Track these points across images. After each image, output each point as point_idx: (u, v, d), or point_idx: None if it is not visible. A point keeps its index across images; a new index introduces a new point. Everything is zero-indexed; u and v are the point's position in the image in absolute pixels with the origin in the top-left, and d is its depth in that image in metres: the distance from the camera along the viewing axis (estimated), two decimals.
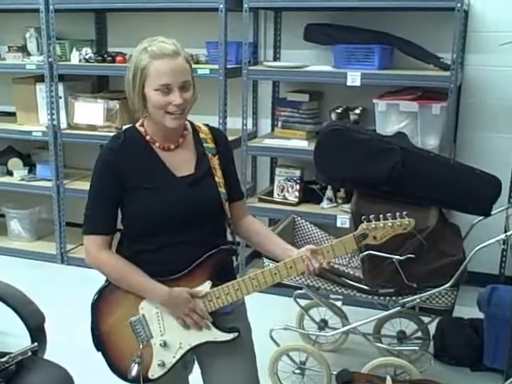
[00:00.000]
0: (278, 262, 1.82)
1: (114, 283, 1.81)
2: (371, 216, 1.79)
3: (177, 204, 1.77)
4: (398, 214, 1.80)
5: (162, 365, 1.78)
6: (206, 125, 1.98)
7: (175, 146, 1.84)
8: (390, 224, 1.78)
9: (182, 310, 1.76)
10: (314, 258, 1.76)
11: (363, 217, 1.80)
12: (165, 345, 1.77)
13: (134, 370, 1.75)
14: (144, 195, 1.77)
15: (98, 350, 1.84)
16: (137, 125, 1.88)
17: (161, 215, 1.76)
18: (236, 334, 1.81)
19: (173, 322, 1.78)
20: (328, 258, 1.78)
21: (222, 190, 1.85)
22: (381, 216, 1.79)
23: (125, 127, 1.92)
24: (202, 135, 1.91)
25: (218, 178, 1.85)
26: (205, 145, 1.90)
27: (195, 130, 1.92)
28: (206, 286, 1.78)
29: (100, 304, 1.82)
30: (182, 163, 1.83)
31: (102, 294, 1.82)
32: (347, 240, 1.78)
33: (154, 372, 1.78)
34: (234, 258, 1.90)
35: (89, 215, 1.82)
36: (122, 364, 1.80)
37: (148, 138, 1.83)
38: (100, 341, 1.83)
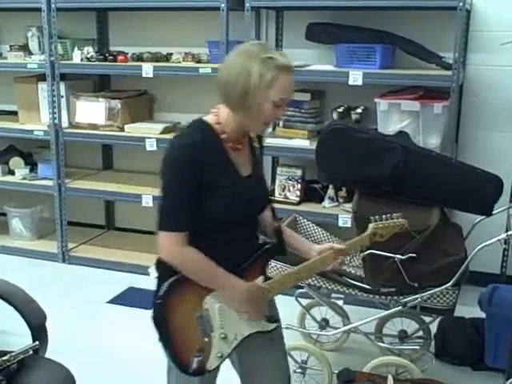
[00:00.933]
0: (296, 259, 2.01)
1: (193, 278, 1.80)
2: (376, 217, 2.04)
3: (245, 202, 1.84)
4: (394, 215, 2.07)
5: (221, 356, 1.84)
6: None
7: (241, 147, 1.87)
8: (392, 224, 2.05)
9: (255, 305, 1.84)
10: (342, 255, 1.97)
11: (371, 217, 2.04)
12: (225, 337, 1.84)
13: (195, 363, 1.80)
14: (222, 193, 1.79)
15: (163, 343, 1.85)
16: (209, 120, 1.85)
17: (235, 213, 1.81)
18: (277, 323, 1.94)
19: (232, 315, 1.84)
20: (347, 251, 2.01)
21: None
22: (383, 216, 2.05)
23: (193, 120, 1.87)
24: (251, 134, 1.94)
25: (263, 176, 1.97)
26: (254, 144, 1.95)
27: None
28: (260, 281, 1.88)
29: (167, 298, 1.81)
30: (244, 163, 1.88)
31: (169, 288, 1.80)
32: (363, 238, 2.03)
33: (212, 363, 1.83)
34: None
35: (169, 211, 1.81)
36: (183, 357, 1.82)
37: (223, 136, 1.82)
38: (164, 334, 1.84)
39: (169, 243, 1.80)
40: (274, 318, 1.93)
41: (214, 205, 1.79)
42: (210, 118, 1.84)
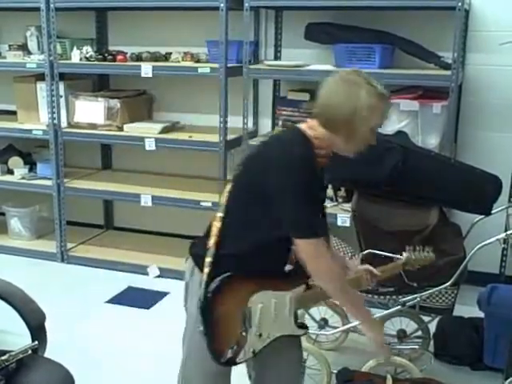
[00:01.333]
0: None
1: (331, 292, 1.94)
2: (411, 247, 2.28)
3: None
4: (426, 248, 2.29)
5: (253, 352, 1.95)
6: None
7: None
8: (423, 257, 2.26)
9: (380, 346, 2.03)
10: (372, 277, 2.16)
11: (408, 248, 2.28)
12: (260, 336, 1.95)
13: (229, 354, 1.91)
14: (320, 205, 1.97)
15: (205, 333, 1.90)
16: (306, 130, 1.90)
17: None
18: (306, 330, 2.07)
19: (269, 316, 1.95)
20: (380, 278, 2.20)
21: None
22: (417, 248, 2.28)
23: (296, 129, 1.92)
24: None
25: None
26: None
27: None
28: (301, 290, 2.02)
29: (218, 291, 1.88)
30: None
31: (221, 283, 1.88)
32: (397, 265, 2.26)
33: (242, 357, 1.94)
34: None
35: (308, 218, 1.84)
36: (220, 346, 1.91)
37: (321, 152, 1.89)
38: (208, 323, 1.90)
39: (318, 250, 1.85)
40: (304, 324, 2.08)
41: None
42: (308, 132, 1.90)
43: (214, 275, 1.89)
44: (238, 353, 1.93)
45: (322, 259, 1.85)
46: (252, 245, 1.90)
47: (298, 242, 1.83)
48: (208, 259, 1.90)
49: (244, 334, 1.92)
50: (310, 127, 1.89)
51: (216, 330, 1.90)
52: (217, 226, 1.93)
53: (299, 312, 3.14)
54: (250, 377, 2.17)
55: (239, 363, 1.96)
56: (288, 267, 2.00)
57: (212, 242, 1.92)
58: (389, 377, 2.34)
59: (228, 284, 1.89)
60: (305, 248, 1.83)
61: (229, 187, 1.97)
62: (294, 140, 1.87)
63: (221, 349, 1.91)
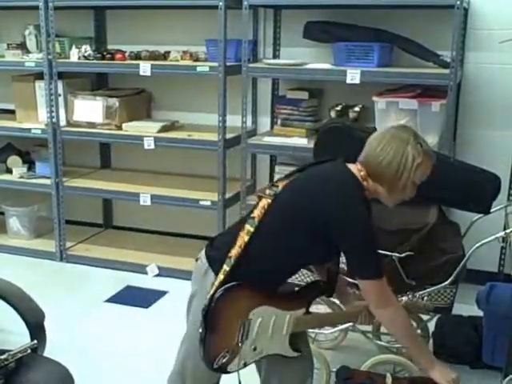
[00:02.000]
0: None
1: (393, 330, 2.05)
2: (410, 295, 2.37)
3: None
4: (425, 298, 2.43)
5: (244, 364, 1.98)
6: None
7: None
8: (419, 304, 2.33)
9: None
10: (371, 317, 2.14)
11: (408, 293, 2.39)
12: (254, 349, 1.98)
13: (221, 361, 1.93)
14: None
15: (204, 333, 1.92)
16: (356, 174, 1.98)
17: None
18: (299, 353, 2.08)
19: (267, 332, 1.98)
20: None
21: None
22: (416, 295, 2.39)
23: (351, 175, 1.99)
24: None
25: None
26: None
27: None
28: (300, 312, 2.07)
29: (222, 298, 1.90)
30: None
31: (226, 291, 1.90)
32: None
33: (233, 367, 1.96)
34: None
35: (376, 258, 1.92)
36: (213, 352, 1.92)
37: (367, 193, 1.98)
38: (209, 326, 1.91)
39: (387, 292, 1.93)
40: (299, 349, 2.08)
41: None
42: (359, 178, 1.98)
43: (226, 283, 1.90)
44: (230, 362, 1.94)
45: (390, 302, 1.94)
46: (276, 266, 1.98)
47: (366, 283, 1.91)
48: (226, 268, 1.91)
49: (240, 344, 1.94)
50: (362, 176, 1.97)
51: (214, 334, 1.91)
52: (244, 238, 1.92)
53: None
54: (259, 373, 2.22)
55: (230, 373, 1.96)
56: (296, 288, 2.09)
57: (234, 252, 1.91)
58: (388, 375, 2.34)
59: (235, 292, 1.91)
60: (374, 289, 1.91)
61: (265, 202, 1.96)
62: (353, 185, 1.95)
63: (214, 354, 1.92)
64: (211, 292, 1.89)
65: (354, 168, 1.99)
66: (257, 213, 1.94)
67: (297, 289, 2.11)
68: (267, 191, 1.98)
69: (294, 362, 2.10)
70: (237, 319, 1.93)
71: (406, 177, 1.93)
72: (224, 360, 1.92)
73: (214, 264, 1.96)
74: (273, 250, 1.95)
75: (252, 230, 1.92)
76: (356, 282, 1.96)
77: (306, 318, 2.08)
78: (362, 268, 1.90)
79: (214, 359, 1.92)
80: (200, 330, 1.90)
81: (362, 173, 1.97)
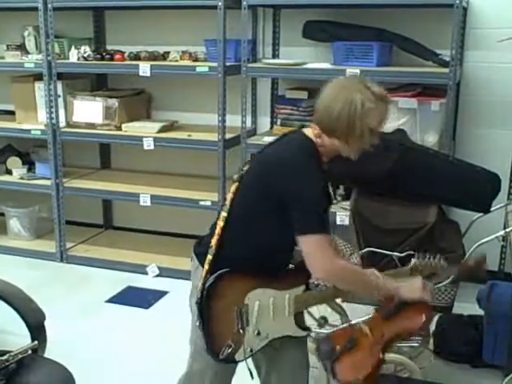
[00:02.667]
0: None
1: (346, 285, 1.97)
2: (421, 254, 2.23)
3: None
4: (438, 256, 2.23)
5: (250, 351, 1.95)
6: None
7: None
8: (433, 264, 2.22)
9: (419, 291, 2.00)
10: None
11: (417, 254, 2.23)
12: (258, 333, 1.95)
13: (227, 351, 1.91)
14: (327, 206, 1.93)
15: (202, 328, 1.92)
16: (310, 135, 1.95)
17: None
18: (308, 331, 2.08)
19: (268, 315, 1.95)
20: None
21: None
22: (427, 255, 2.22)
23: (301, 134, 1.98)
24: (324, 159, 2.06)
25: None
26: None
27: None
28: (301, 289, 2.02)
29: (214, 288, 1.90)
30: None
31: (218, 279, 1.90)
32: (404, 271, 2.21)
33: (241, 356, 1.94)
34: None
35: (317, 213, 1.85)
36: (217, 344, 1.92)
37: (324, 159, 1.95)
38: (206, 319, 1.92)
39: (326, 247, 1.85)
40: (308, 327, 2.09)
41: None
42: (313, 137, 1.95)
43: (213, 272, 1.90)
44: (236, 351, 1.93)
45: (335, 260, 1.87)
46: (254, 246, 1.94)
47: (304, 238, 1.84)
48: (209, 257, 1.92)
49: (241, 331, 1.92)
50: (317, 133, 1.94)
51: (213, 325, 1.91)
52: (220, 225, 1.95)
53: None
54: (257, 370, 2.19)
55: (239, 361, 1.96)
56: (290, 266, 2.03)
57: (214, 241, 1.94)
58: (363, 325, 2.24)
59: (225, 280, 1.90)
60: (316, 245, 1.84)
61: (233, 187, 1.99)
62: (302, 146, 1.92)
63: (218, 345, 1.91)
64: (201, 283, 1.90)
65: (308, 130, 1.97)
66: (229, 198, 1.98)
67: (292, 266, 2.05)
68: (235, 176, 2.01)
69: (292, 357, 2.09)
70: (233, 306, 1.91)
71: (359, 125, 1.87)
72: (229, 350, 1.91)
73: (201, 258, 1.97)
74: (246, 230, 1.95)
75: (226, 215, 1.95)
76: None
77: (306, 295, 2.04)
78: (303, 223, 1.85)
79: (219, 351, 1.91)
80: (197, 324, 1.90)
81: (315, 131, 1.93)
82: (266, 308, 1.95)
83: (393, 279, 2.02)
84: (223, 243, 1.94)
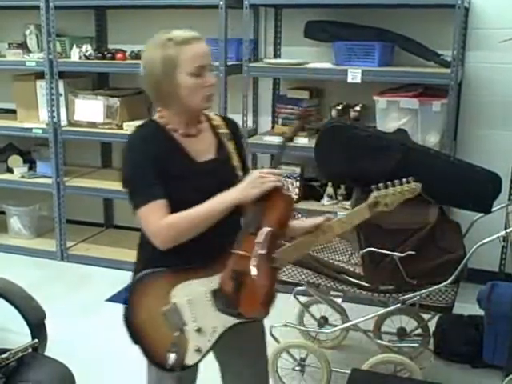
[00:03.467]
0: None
1: (190, 233, 1.74)
2: (380, 184, 1.84)
3: (201, 189, 1.77)
4: (404, 179, 1.85)
5: (198, 350, 1.77)
6: (216, 114, 2.04)
7: (197, 133, 1.88)
8: (398, 190, 1.84)
9: (260, 181, 1.74)
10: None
11: (372, 186, 1.84)
12: (199, 330, 1.77)
13: (171, 358, 1.74)
14: (173, 183, 1.78)
15: (135, 342, 1.85)
16: (155, 118, 1.90)
17: (188, 202, 1.74)
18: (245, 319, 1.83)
19: (205, 307, 1.77)
20: (344, 228, 1.89)
21: (240, 173, 1.90)
22: (389, 183, 1.84)
23: (144, 120, 1.95)
24: (214, 123, 1.96)
25: (236, 161, 1.91)
26: (220, 131, 1.95)
27: (208, 119, 1.97)
28: None
29: (133, 297, 1.82)
30: (203, 149, 1.88)
31: (134, 287, 1.83)
32: (361, 209, 1.87)
33: (191, 359, 1.78)
34: None
35: (140, 188, 1.80)
36: (158, 354, 1.79)
37: (169, 127, 1.85)
38: (135, 333, 1.84)
39: (151, 216, 1.77)
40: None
41: (175, 193, 1.77)
42: (156, 116, 1.89)
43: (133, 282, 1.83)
44: (184, 355, 1.76)
45: (151, 221, 1.77)
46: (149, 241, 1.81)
47: (140, 212, 1.80)
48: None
49: (178, 333, 1.76)
50: (159, 116, 1.88)
51: (145, 337, 1.81)
52: None
53: (298, 310, 3.16)
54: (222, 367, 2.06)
55: (194, 365, 1.80)
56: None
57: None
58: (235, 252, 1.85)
59: (141, 285, 1.82)
60: (148, 213, 1.78)
61: None
62: (134, 131, 1.88)
63: (158, 356, 1.79)
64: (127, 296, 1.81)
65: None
66: None
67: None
68: None
69: (251, 344, 1.97)
70: (159, 309, 1.77)
71: (168, 82, 1.74)
72: (174, 357, 1.74)
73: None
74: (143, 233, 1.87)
75: None
76: None
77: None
78: (130, 202, 1.82)
79: (162, 361, 1.76)
80: (132, 341, 1.80)
81: (157, 109, 1.86)
82: (199, 300, 1.76)
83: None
84: (139, 249, 1.92)
